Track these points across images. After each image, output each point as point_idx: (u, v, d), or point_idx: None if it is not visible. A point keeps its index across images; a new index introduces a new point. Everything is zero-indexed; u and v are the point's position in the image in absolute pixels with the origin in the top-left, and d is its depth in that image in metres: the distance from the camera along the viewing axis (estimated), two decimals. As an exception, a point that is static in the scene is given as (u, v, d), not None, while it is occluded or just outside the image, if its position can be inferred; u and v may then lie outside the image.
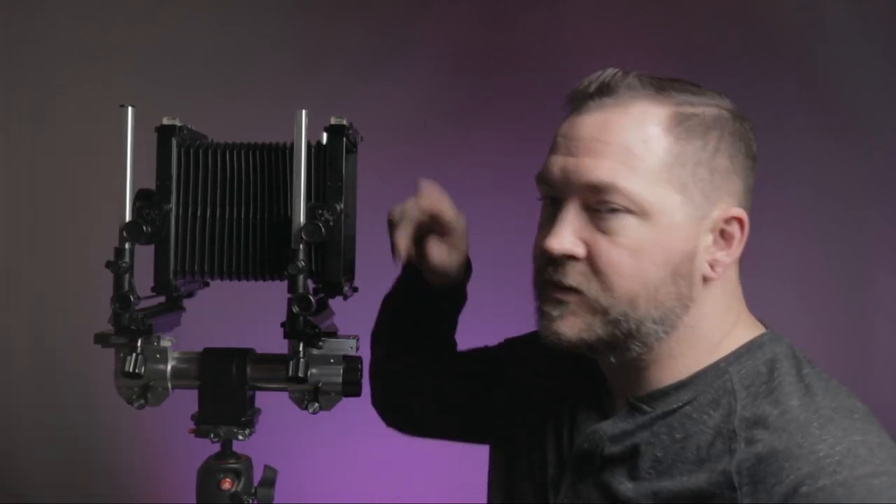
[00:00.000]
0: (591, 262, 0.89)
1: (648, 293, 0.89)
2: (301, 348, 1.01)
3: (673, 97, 0.91)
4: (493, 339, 1.26)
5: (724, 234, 0.92)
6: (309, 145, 1.01)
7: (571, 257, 0.90)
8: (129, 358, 1.00)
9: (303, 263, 0.98)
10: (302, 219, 0.99)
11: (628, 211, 0.88)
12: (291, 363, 1.01)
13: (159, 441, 2.11)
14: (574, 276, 0.90)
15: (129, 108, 1.01)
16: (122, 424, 2.08)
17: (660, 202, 0.88)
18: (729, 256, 0.92)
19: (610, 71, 0.92)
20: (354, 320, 1.13)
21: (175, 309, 1.08)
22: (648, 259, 0.88)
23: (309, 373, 1.01)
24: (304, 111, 1.00)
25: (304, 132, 0.99)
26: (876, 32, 2.12)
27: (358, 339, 1.07)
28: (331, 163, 1.00)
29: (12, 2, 2.15)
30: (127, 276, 0.99)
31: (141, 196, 1.02)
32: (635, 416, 0.93)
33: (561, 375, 1.06)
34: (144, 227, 0.99)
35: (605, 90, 0.91)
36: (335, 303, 1.10)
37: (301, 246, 0.98)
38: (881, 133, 2.12)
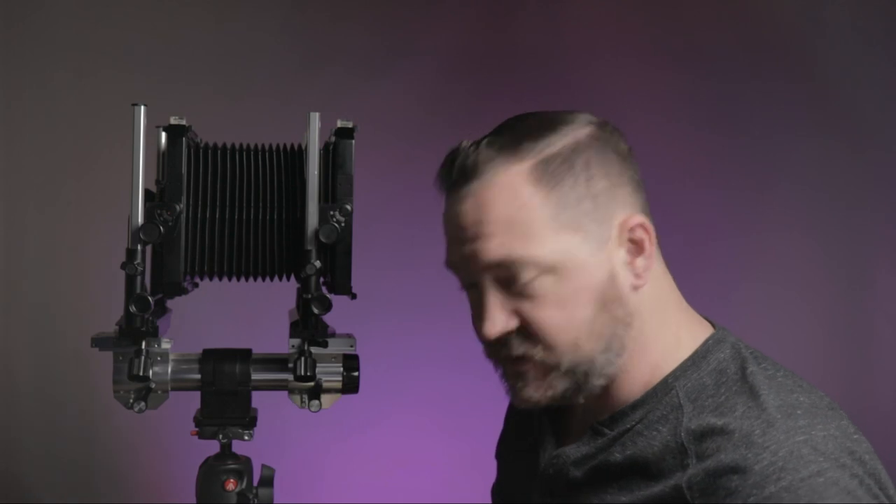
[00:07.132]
0: (526, 329, 0.91)
1: (586, 332, 0.90)
2: (307, 347, 1.01)
3: (529, 148, 0.91)
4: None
5: (633, 241, 0.92)
6: (326, 147, 1.01)
7: (508, 332, 0.91)
8: (137, 361, 0.99)
9: (319, 264, 0.98)
10: (315, 220, 0.99)
11: (538, 273, 0.89)
12: (299, 362, 1.01)
13: (160, 441, 2.11)
14: (518, 346, 0.91)
15: (142, 107, 1.00)
16: (123, 425, 2.08)
17: (561, 251, 0.89)
18: (647, 259, 0.93)
19: (463, 149, 0.93)
20: (352, 319, 1.13)
21: (165, 311, 1.08)
22: (573, 305, 0.90)
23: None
24: (317, 114, 1.00)
25: (317, 135, 1.00)
26: (875, 32, 2.12)
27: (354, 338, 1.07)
28: (340, 165, 1.01)
29: (12, 2, 2.14)
30: (140, 279, 0.98)
31: (147, 197, 1.01)
32: (596, 439, 0.95)
33: None
34: (161, 228, 0.98)
35: (466, 174, 0.91)
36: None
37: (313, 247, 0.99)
38: (881, 132, 2.12)
